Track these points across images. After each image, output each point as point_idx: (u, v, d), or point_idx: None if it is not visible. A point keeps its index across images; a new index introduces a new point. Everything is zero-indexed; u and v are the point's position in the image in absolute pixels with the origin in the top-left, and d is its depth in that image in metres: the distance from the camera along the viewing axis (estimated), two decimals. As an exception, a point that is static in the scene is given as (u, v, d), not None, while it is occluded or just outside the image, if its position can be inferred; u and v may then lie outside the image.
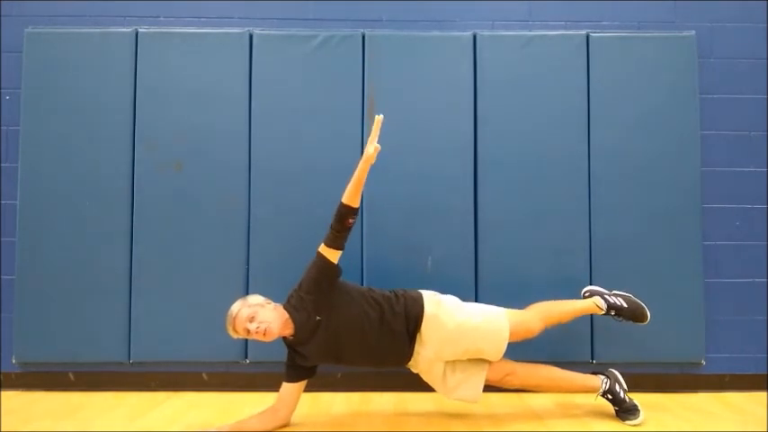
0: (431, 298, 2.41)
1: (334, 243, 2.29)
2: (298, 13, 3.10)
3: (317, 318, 2.26)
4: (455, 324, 2.33)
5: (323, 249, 2.30)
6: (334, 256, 2.30)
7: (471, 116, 2.96)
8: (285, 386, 2.35)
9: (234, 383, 2.92)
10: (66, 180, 2.93)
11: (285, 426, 2.34)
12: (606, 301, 2.61)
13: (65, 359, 2.90)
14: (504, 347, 2.37)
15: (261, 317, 2.22)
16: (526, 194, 2.93)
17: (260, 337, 2.20)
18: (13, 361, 2.91)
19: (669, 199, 2.94)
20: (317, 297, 2.27)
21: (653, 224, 2.93)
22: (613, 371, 2.54)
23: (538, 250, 2.91)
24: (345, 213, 2.28)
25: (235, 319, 2.23)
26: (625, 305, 2.59)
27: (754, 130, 3.04)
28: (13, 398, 2.80)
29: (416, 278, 2.78)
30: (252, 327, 2.20)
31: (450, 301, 2.45)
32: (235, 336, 2.26)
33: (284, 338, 2.33)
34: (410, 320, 2.33)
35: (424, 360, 2.38)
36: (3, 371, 2.94)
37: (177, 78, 2.97)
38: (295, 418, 2.40)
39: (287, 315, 2.28)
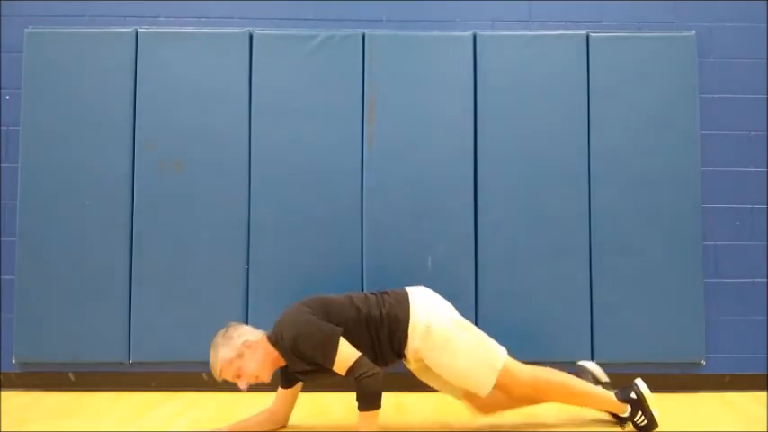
0: (419, 325, 2.14)
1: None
2: (298, 13, 3.10)
3: (308, 368, 2.14)
4: (438, 364, 2.16)
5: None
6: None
7: (471, 116, 2.96)
8: (281, 390, 2.32)
9: (234, 384, 2.90)
10: (66, 180, 2.93)
11: (283, 426, 2.34)
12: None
13: (65, 359, 2.90)
14: (487, 390, 2.16)
15: (245, 370, 2.08)
16: (526, 195, 2.93)
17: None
18: (13, 361, 2.91)
19: (669, 199, 2.94)
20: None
21: (653, 224, 2.93)
22: (584, 365, 2.46)
23: (538, 250, 2.91)
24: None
25: (219, 376, 2.12)
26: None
27: (754, 130, 3.04)
28: (13, 398, 2.80)
29: (416, 278, 2.77)
30: (242, 384, 2.09)
31: (442, 329, 2.15)
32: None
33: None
34: (394, 345, 2.17)
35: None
36: (3, 371, 2.94)
37: (177, 78, 2.97)
38: (294, 418, 2.40)
39: (275, 352, 2.11)
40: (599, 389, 2.31)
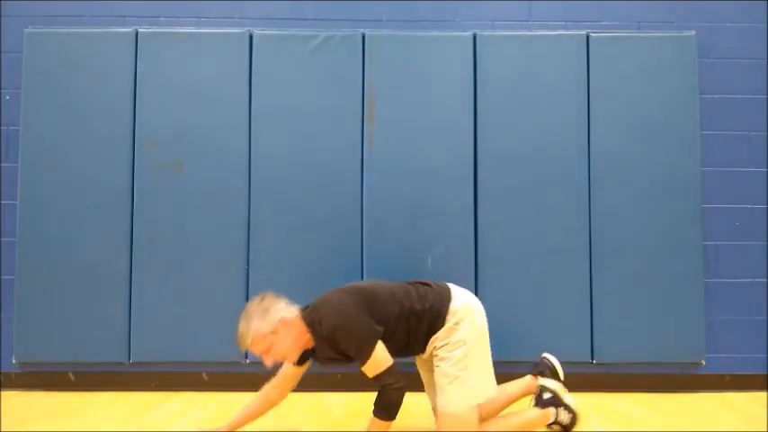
0: (452, 320, 2.08)
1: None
2: (298, 13, 3.10)
3: (337, 356, 2.08)
4: (439, 359, 2.09)
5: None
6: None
7: (471, 116, 2.96)
8: (289, 367, 2.19)
9: (234, 383, 2.91)
10: (66, 180, 2.93)
11: (282, 399, 2.24)
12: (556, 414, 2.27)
13: (65, 359, 2.90)
14: (450, 410, 2.06)
15: (277, 347, 1.98)
16: (526, 194, 2.94)
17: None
18: (13, 361, 2.91)
19: (669, 199, 2.94)
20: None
21: (653, 224, 2.93)
22: (548, 359, 2.41)
23: (538, 250, 2.91)
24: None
25: (248, 347, 2.00)
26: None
27: (754, 130, 3.04)
28: (13, 398, 2.80)
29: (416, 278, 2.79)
30: (268, 361, 1.99)
31: (465, 333, 2.07)
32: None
33: None
34: (428, 338, 2.10)
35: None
36: (3, 371, 2.94)
37: (177, 78, 2.97)
38: (295, 418, 2.40)
39: (308, 334, 2.03)
40: (527, 414, 2.23)
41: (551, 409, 2.24)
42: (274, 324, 1.98)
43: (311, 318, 2.02)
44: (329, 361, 2.12)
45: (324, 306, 2.01)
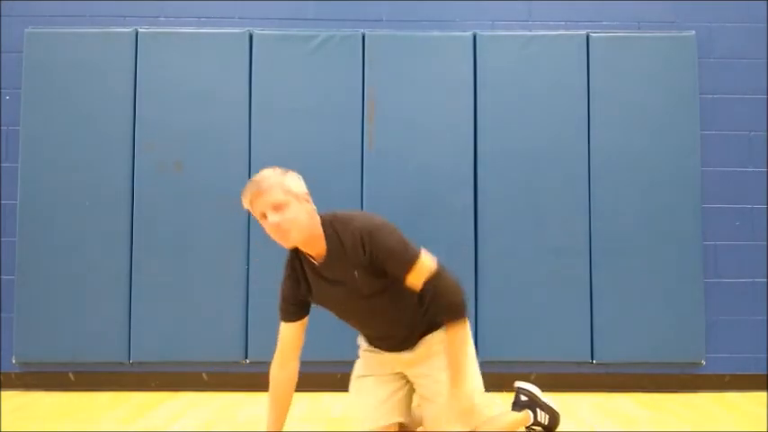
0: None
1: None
2: (298, 13, 3.10)
3: (355, 272, 1.74)
4: (441, 367, 1.83)
5: None
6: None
7: (471, 116, 2.96)
8: (288, 326, 1.81)
9: (234, 383, 2.92)
10: (66, 180, 2.93)
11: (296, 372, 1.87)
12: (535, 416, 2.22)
13: (65, 359, 2.90)
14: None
15: (295, 212, 1.63)
16: (526, 194, 2.93)
17: (274, 234, 1.64)
18: (13, 361, 2.91)
19: (669, 199, 2.94)
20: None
21: (653, 224, 2.93)
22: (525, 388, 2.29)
23: (538, 250, 2.91)
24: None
25: (259, 195, 1.62)
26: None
27: (754, 130, 3.04)
28: (13, 398, 2.80)
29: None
30: (273, 218, 1.61)
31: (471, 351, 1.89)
32: (246, 207, 1.69)
33: (296, 256, 1.78)
34: (426, 330, 1.89)
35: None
36: (3, 371, 2.94)
37: (177, 78, 2.97)
38: (295, 418, 2.39)
39: (322, 234, 1.71)
40: (506, 417, 2.15)
41: (529, 411, 2.21)
42: (304, 194, 1.70)
43: (330, 223, 1.73)
44: (332, 286, 1.77)
45: (355, 218, 1.74)
